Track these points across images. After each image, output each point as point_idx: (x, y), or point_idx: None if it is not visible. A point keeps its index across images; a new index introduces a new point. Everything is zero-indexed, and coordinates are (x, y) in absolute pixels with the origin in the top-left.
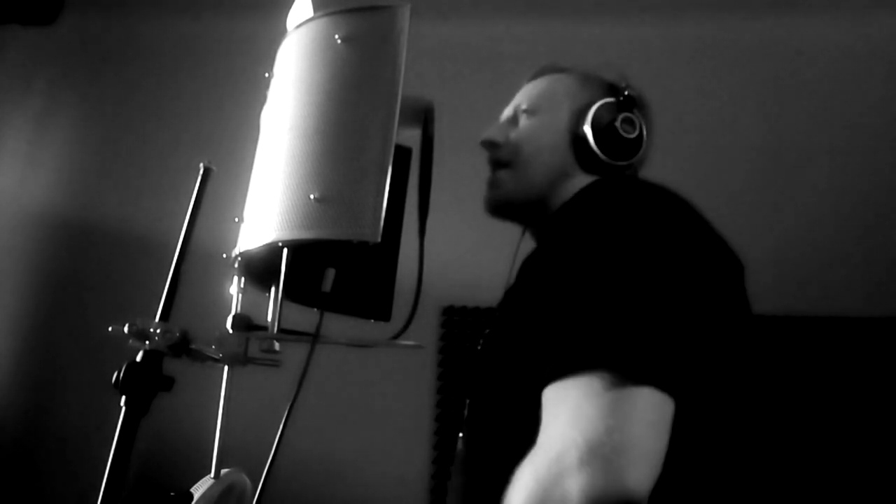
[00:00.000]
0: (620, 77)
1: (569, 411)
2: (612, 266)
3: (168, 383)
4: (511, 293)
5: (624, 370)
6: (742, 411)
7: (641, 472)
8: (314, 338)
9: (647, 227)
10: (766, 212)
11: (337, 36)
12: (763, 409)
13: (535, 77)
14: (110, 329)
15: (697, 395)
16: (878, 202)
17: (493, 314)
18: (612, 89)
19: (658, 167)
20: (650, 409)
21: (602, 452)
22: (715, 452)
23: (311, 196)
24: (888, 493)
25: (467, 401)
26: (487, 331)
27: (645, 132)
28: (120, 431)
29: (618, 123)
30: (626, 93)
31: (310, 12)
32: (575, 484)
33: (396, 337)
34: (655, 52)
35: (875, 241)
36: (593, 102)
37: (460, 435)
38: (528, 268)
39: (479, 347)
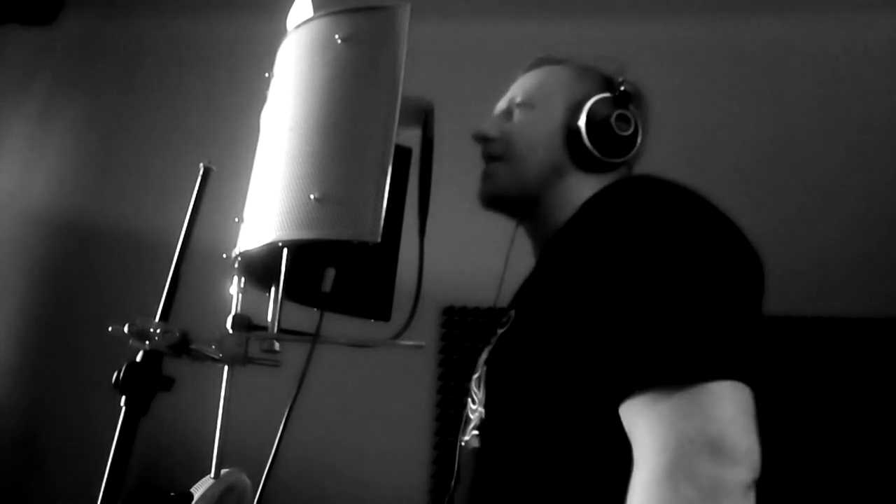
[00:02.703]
0: (618, 70)
1: (674, 417)
2: (664, 270)
3: (168, 383)
4: (532, 292)
5: (717, 371)
6: (768, 409)
7: (755, 454)
8: (314, 338)
9: (684, 229)
10: (765, 212)
11: (337, 36)
12: (771, 408)
13: (530, 68)
14: (110, 329)
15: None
16: (878, 202)
17: (498, 315)
18: (608, 83)
19: (656, 167)
20: (746, 404)
21: (719, 449)
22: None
23: (311, 196)
24: (888, 493)
25: (479, 400)
26: (501, 331)
27: (640, 129)
28: (120, 431)
29: (612, 120)
30: (622, 88)
31: (310, 12)
32: (705, 475)
33: (396, 337)
34: (655, 52)
35: (875, 241)
36: (588, 97)
37: (469, 432)
38: (554, 268)
39: (490, 348)
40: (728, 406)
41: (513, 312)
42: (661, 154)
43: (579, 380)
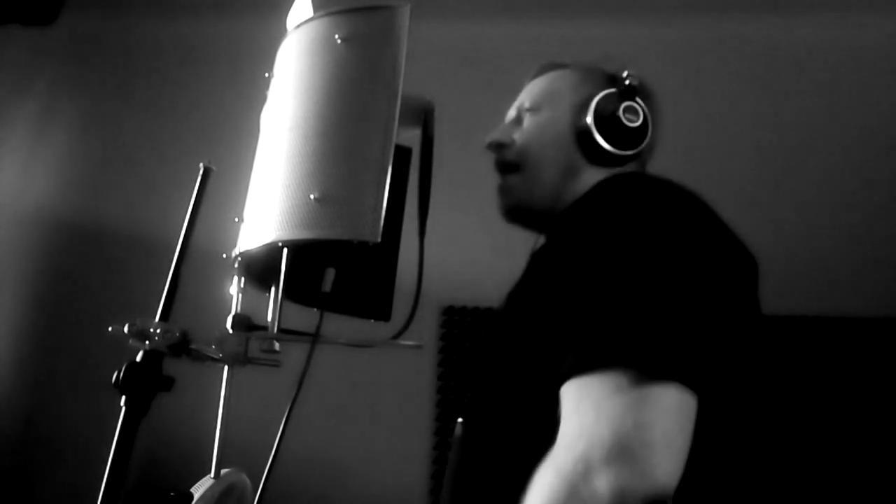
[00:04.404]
0: (622, 67)
1: (593, 408)
2: (630, 261)
3: (168, 383)
4: (520, 285)
5: (649, 367)
6: (752, 409)
7: (670, 468)
8: (314, 338)
9: (662, 223)
10: (766, 212)
11: (337, 36)
12: (770, 409)
13: (537, 75)
14: (110, 329)
15: (715, 392)
16: (877, 202)
17: (496, 309)
18: (613, 80)
19: (656, 168)
20: (677, 406)
21: (631, 449)
22: (727, 450)
23: (311, 196)
24: (888, 493)
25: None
26: (493, 322)
27: (650, 120)
28: (120, 431)
29: (620, 113)
30: (627, 82)
31: (310, 12)
32: (604, 481)
33: (396, 337)
34: (655, 52)
35: (875, 241)
36: (595, 94)
37: (459, 420)
38: (539, 261)
39: (483, 340)
40: (661, 413)
41: (505, 302)
42: (659, 154)
43: (544, 364)
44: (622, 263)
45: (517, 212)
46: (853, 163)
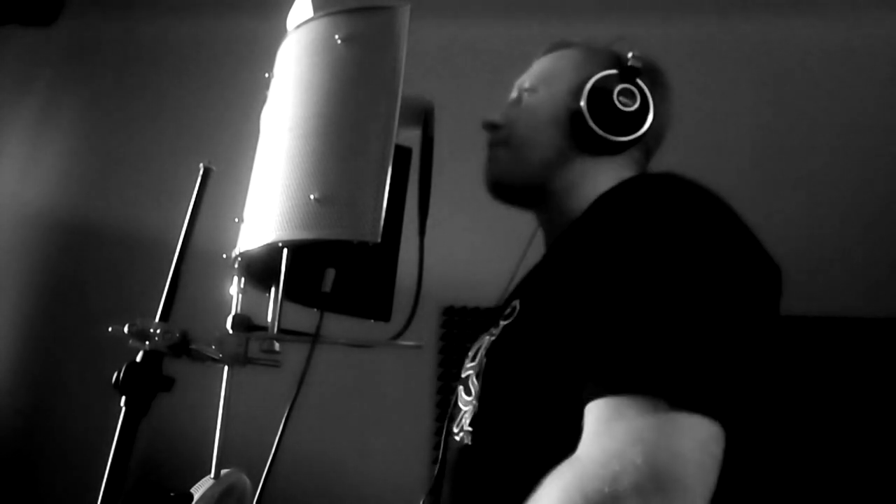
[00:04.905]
0: (631, 47)
1: (628, 431)
2: (666, 276)
3: (168, 383)
4: (531, 293)
5: (687, 398)
6: (771, 425)
7: None
8: (314, 338)
9: (697, 236)
10: (765, 212)
11: (337, 36)
12: (783, 425)
13: (544, 53)
14: (110, 329)
15: (741, 425)
16: (878, 202)
17: (496, 308)
18: (618, 61)
19: (655, 167)
20: (709, 442)
21: (663, 481)
22: (745, 480)
23: (312, 196)
24: (888, 493)
25: (462, 390)
26: (504, 322)
27: (650, 105)
28: (120, 432)
29: (615, 96)
30: (628, 63)
31: (310, 12)
32: None
33: (396, 337)
34: (655, 52)
35: (875, 241)
36: (594, 75)
37: (468, 429)
38: (557, 269)
39: (493, 339)
40: (697, 447)
41: (517, 303)
42: (661, 154)
43: (568, 378)
44: (657, 277)
45: (499, 185)
46: (853, 163)
